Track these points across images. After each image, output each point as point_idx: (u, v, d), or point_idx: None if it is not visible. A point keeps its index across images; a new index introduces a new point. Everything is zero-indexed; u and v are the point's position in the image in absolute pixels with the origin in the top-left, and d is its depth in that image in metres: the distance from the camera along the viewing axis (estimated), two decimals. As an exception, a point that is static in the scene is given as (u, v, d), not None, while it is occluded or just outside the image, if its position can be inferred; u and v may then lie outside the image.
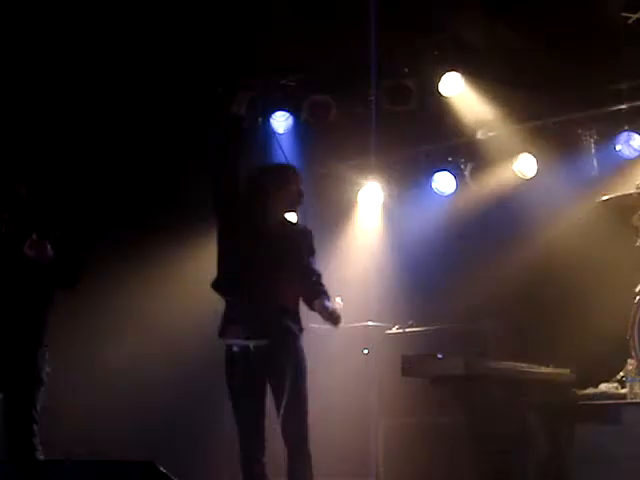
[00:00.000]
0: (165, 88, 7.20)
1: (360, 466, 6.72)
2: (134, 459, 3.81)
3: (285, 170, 5.16)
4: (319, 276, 5.08)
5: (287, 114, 7.58)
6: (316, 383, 5.02)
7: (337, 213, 8.04)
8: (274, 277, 4.88)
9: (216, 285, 4.93)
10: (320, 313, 4.91)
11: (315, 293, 4.98)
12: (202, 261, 5.87)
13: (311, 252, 5.11)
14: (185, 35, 6.86)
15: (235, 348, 4.81)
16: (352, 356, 7.05)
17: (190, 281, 7.00)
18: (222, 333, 4.87)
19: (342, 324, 5.12)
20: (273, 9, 6.77)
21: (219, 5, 6.66)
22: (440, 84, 7.18)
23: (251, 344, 4.78)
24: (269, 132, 7.50)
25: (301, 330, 4.99)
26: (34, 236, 4.90)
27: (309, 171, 7.37)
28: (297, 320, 4.98)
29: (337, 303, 5.09)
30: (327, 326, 5.09)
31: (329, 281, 5.24)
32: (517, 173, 7.49)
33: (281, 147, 5.93)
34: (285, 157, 5.54)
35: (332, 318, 4.91)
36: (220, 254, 4.96)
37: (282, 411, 4.74)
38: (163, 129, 7.36)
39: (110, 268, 7.08)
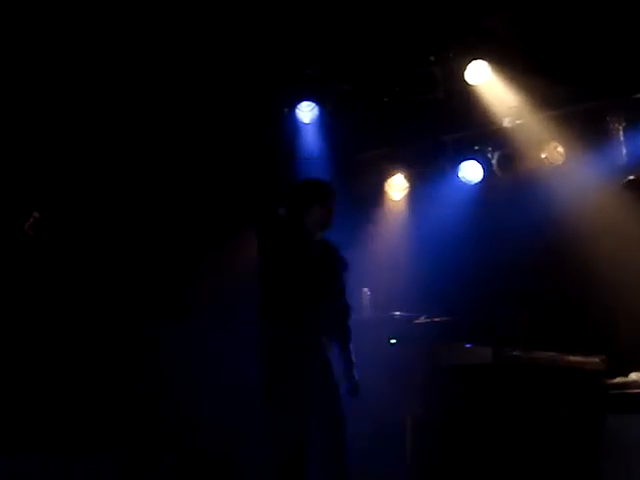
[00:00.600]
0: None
1: (389, 456, 6.68)
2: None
3: (327, 187, 5.20)
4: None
5: (313, 104, 7.55)
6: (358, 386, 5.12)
7: (363, 203, 8.01)
8: (318, 298, 4.96)
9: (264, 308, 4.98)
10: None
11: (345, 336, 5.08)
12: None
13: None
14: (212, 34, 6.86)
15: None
16: (380, 346, 6.99)
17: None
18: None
19: (370, 314, 5.20)
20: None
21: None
22: (466, 72, 7.13)
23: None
24: (295, 122, 7.55)
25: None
26: (36, 214, 4.89)
27: (335, 161, 7.59)
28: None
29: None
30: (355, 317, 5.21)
31: (356, 272, 5.30)
32: (545, 161, 7.43)
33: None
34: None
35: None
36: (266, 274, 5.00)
37: None
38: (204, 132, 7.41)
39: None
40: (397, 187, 8.15)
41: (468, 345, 6.00)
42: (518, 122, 7.45)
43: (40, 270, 6.68)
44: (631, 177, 6.27)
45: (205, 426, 6.78)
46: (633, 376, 6.06)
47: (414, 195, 8.13)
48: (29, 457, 4.59)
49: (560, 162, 7.42)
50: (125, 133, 7.12)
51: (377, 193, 8.18)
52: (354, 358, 5.13)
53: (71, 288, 6.91)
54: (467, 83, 7.19)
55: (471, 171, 7.85)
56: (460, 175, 7.88)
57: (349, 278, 5.43)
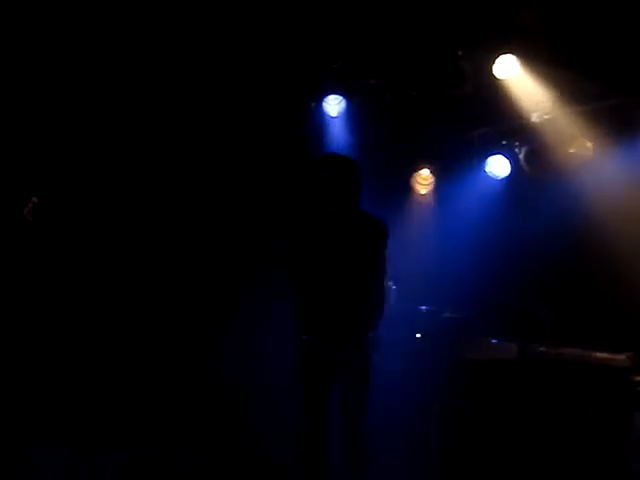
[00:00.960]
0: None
1: (414, 450, 6.68)
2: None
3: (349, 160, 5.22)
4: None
5: (340, 98, 7.52)
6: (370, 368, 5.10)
7: (390, 198, 7.88)
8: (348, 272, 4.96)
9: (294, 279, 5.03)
10: None
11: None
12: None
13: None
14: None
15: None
16: (405, 340, 6.99)
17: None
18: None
19: (396, 308, 5.21)
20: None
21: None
22: (495, 66, 7.10)
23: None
24: (322, 116, 7.53)
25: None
26: (34, 199, 4.87)
27: (362, 155, 7.24)
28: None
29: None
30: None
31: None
32: (573, 156, 7.38)
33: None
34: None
35: None
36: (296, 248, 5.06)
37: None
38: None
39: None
40: (423, 181, 8.13)
41: (494, 340, 5.98)
42: (546, 117, 7.40)
43: (74, 259, 6.78)
44: None
45: (232, 423, 6.80)
46: (660, 373, 6.02)
47: (440, 189, 8.10)
48: (59, 448, 4.62)
49: (588, 157, 7.36)
50: (159, 123, 7.16)
51: (403, 187, 8.14)
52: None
53: (113, 277, 7.01)
54: (495, 77, 7.16)
55: (498, 166, 7.83)
56: (487, 170, 7.85)
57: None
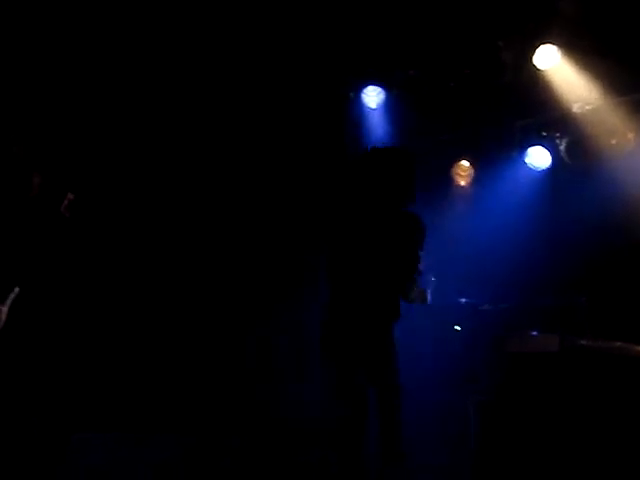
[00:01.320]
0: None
1: (453, 442, 6.65)
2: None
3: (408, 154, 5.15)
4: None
5: (379, 89, 7.55)
6: (408, 360, 5.13)
7: (429, 189, 7.79)
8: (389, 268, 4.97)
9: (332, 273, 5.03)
10: None
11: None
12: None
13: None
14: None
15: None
16: (445, 333, 7.02)
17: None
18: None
19: (435, 301, 5.24)
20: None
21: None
22: (535, 57, 7.04)
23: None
24: (361, 107, 7.57)
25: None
26: (70, 196, 4.83)
27: (400, 147, 7.45)
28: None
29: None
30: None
31: (422, 258, 5.26)
32: (614, 147, 7.31)
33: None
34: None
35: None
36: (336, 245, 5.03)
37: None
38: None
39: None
40: (463, 172, 8.09)
41: (534, 333, 5.93)
42: (587, 108, 7.33)
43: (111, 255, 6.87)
44: None
45: (270, 410, 6.84)
46: None
47: (480, 181, 8.04)
48: (101, 437, 4.69)
49: (630, 148, 7.27)
50: (200, 120, 7.25)
51: (443, 179, 8.10)
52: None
53: (163, 275, 7.14)
54: (536, 68, 7.11)
55: (538, 157, 7.75)
56: (527, 161, 7.79)
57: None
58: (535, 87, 7.22)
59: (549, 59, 7.03)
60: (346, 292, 4.95)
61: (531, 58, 7.07)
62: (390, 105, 7.60)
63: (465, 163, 8.09)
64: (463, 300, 7.12)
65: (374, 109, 7.59)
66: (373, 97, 7.56)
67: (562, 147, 7.58)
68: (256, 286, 7.29)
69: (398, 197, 4.97)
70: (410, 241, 5.02)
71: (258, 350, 7.13)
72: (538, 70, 7.12)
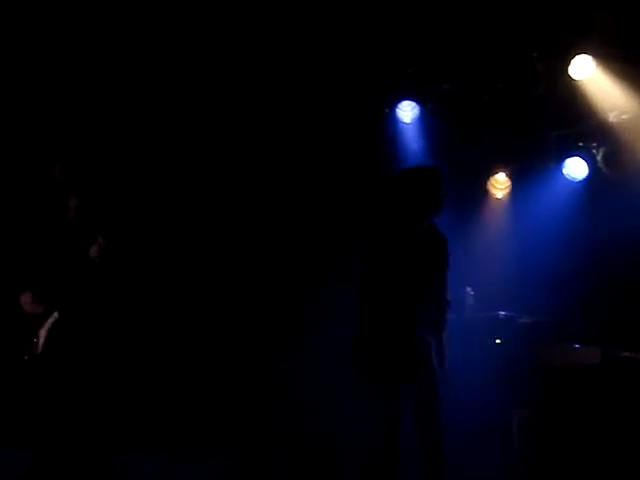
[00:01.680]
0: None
1: (496, 458, 6.59)
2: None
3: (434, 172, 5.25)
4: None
5: (413, 103, 7.51)
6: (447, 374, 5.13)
7: (466, 203, 7.85)
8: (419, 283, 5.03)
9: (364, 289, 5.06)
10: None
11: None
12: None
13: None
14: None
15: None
16: (484, 346, 6.93)
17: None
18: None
19: (474, 314, 5.45)
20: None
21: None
22: (570, 67, 7.00)
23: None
24: (396, 122, 7.54)
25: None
26: (100, 240, 4.74)
27: (437, 160, 7.33)
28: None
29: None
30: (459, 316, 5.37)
31: (459, 271, 5.41)
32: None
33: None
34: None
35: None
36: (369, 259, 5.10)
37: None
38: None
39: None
40: (500, 185, 8.05)
41: (576, 345, 5.88)
42: (624, 117, 7.27)
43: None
44: None
45: (314, 431, 6.82)
46: None
47: (517, 193, 8.00)
48: (144, 459, 4.70)
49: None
50: (234, 134, 7.25)
51: (479, 192, 8.08)
52: (446, 347, 5.21)
53: (188, 291, 7.10)
54: (571, 78, 7.06)
55: (575, 168, 7.71)
56: (564, 172, 7.75)
57: (452, 277, 5.44)
58: (571, 98, 7.17)
59: (584, 69, 6.98)
60: (379, 308, 5.00)
61: (566, 69, 7.02)
62: (425, 119, 7.54)
63: (501, 176, 8.05)
64: (502, 313, 7.04)
65: (409, 124, 7.57)
66: (408, 112, 7.49)
67: (599, 157, 7.53)
68: (287, 307, 7.29)
69: (421, 213, 5.13)
70: (433, 255, 5.16)
71: (294, 371, 7.07)
72: (573, 80, 7.07)
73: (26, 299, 4.87)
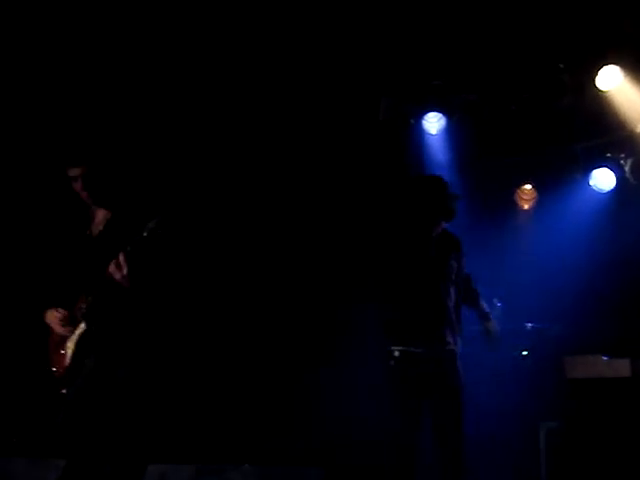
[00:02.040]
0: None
1: (523, 471, 6.60)
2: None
3: (441, 181, 5.34)
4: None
5: (439, 114, 7.49)
6: (474, 386, 5.20)
7: (493, 214, 7.87)
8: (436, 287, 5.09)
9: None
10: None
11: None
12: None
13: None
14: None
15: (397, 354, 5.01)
16: (511, 358, 6.95)
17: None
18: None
19: (501, 326, 5.49)
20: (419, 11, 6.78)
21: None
22: (597, 78, 6.97)
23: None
24: (422, 133, 7.54)
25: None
26: (121, 257, 4.57)
27: (463, 172, 7.48)
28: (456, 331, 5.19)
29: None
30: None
31: (487, 282, 5.47)
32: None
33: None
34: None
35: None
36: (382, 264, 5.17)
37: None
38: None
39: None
40: (526, 196, 8.01)
41: (605, 357, 5.83)
42: (653, 128, 7.21)
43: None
44: None
45: (351, 440, 6.85)
46: None
47: (543, 204, 7.95)
48: (177, 468, 4.70)
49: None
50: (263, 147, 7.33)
51: (506, 203, 8.04)
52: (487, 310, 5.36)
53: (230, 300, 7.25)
54: (598, 89, 7.02)
55: (603, 179, 7.64)
56: (591, 183, 7.69)
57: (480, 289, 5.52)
58: (598, 108, 7.11)
59: (612, 80, 6.93)
60: (403, 316, 5.07)
61: (593, 79, 6.97)
62: (451, 130, 7.54)
63: (528, 187, 8.02)
64: (530, 325, 7.02)
65: (435, 135, 7.55)
66: (434, 123, 7.49)
67: (627, 168, 7.46)
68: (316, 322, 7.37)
69: (430, 221, 5.22)
70: (450, 259, 5.24)
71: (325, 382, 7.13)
72: (601, 91, 7.02)
73: (52, 317, 4.86)
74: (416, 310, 5.03)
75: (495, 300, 6.72)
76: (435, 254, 5.15)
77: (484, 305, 5.45)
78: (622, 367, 5.72)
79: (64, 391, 4.75)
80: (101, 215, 4.91)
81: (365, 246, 6.07)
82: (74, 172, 4.80)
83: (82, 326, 4.79)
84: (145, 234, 4.51)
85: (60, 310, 4.83)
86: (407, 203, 5.30)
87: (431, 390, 5.01)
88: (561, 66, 6.99)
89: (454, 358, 5.10)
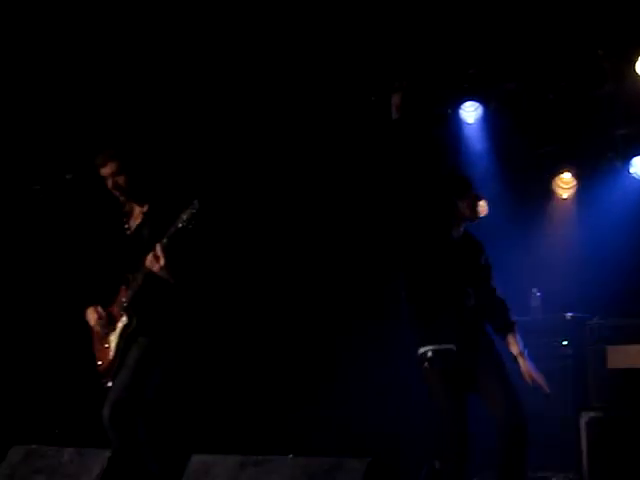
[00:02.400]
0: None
1: (562, 460, 6.58)
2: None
3: (464, 180, 5.24)
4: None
5: (476, 104, 7.46)
6: (513, 375, 5.06)
7: (531, 203, 7.85)
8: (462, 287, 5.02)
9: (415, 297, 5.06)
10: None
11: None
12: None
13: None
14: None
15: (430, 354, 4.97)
16: (551, 348, 6.87)
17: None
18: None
19: (541, 316, 5.52)
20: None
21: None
22: (637, 65, 6.88)
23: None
24: (459, 123, 7.51)
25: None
26: (158, 249, 4.61)
27: (501, 161, 7.50)
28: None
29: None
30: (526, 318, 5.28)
31: (526, 273, 5.20)
32: None
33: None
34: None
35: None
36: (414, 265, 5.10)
37: None
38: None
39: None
40: (565, 185, 7.94)
41: (646, 347, 5.80)
42: (694, 114, 7.12)
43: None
44: None
45: (395, 432, 6.85)
46: None
47: (583, 193, 7.89)
48: (219, 459, 4.73)
49: None
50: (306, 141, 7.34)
51: (545, 192, 7.97)
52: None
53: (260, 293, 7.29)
54: (638, 75, 6.93)
55: (643, 166, 7.59)
56: (631, 171, 7.62)
57: (517, 278, 5.59)
58: (637, 95, 7.03)
59: (652, 66, 6.86)
60: (439, 310, 5.02)
61: (633, 66, 6.88)
62: (488, 120, 7.52)
63: (567, 175, 7.95)
64: (569, 314, 6.96)
65: (472, 124, 7.51)
66: (471, 112, 7.48)
67: (668, 155, 7.40)
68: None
69: (452, 221, 5.14)
70: (474, 259, 5.16)
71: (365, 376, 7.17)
72: (640, 78, 6.95)
73: (91, 316, 4.94)
74: (444, 309, 4.99)
75: (534, 290, 7.01)
76: (457, 256, 5.09)
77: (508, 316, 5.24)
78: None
79: (109, 384, 4.82)
80: (137, 210, 4.98)
81: (393, 242, 6.11)
82: (105, 171, 4.85)
83: (124, 319, 4.84)
84: (180, 225, 4.53)
85: (99, 310, 4.91)
86: (428, 203, 5.25)
87: (475, 379, 4.98)
88: (600, 53, 6.91)
89: (491, 345, 5.07)
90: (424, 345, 4.96)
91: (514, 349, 5.07)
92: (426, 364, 4.93)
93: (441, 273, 4.98)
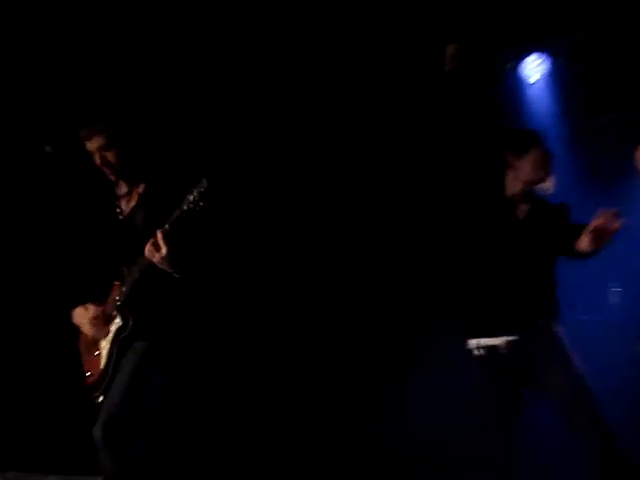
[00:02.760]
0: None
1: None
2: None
3: (524, 135, 4.88)
4: None
5: (541, 58, 7.10)
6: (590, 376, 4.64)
7: (604, 179, 7.16)
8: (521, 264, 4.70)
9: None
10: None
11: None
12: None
13: None
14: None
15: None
16: (630, 349, 6.39)
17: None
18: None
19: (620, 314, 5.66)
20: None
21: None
22: None
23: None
24: (520, 80, 7.17)
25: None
26: (159, 237, 4.24)
27: (568, 126, 7.07)
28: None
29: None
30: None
31: (599, 265, 4.99)
32: None
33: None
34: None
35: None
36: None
37: None
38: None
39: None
40: (642, 155, 7.16)
41: None
42: None
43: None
44: None
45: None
46: None
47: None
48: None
49: None
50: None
51: (622, 165, 6.91)
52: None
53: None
54: None
55: None
56: None
57: (591, 272, 5.21)
58: None
59: None
60: (492, 302, 4.66)
61: None
62: (554, 77, 7.12)
63: (644, 142, 7.12)
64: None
65: (536, 82, 7.15)
66: (534, 68, 7.12)
67: None
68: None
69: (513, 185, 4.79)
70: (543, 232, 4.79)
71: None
72: None
73: (81, 316, 4.62)
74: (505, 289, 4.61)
75: (615, 284, 6.69)
76: (521, 226, 4.72)
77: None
78: None
79: (100, 399, 4.51)
80: (132, 191, 4.64)
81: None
82: (91, 146, 4.50)
83: (117, 321, 4.52)
84: (185, 208, 4.19)
85: (91, 307, 4.60)
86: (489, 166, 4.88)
87: (535, 372, 4.61)
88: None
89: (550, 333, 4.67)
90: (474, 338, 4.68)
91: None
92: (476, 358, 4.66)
93: (494, 257, 4.65)
